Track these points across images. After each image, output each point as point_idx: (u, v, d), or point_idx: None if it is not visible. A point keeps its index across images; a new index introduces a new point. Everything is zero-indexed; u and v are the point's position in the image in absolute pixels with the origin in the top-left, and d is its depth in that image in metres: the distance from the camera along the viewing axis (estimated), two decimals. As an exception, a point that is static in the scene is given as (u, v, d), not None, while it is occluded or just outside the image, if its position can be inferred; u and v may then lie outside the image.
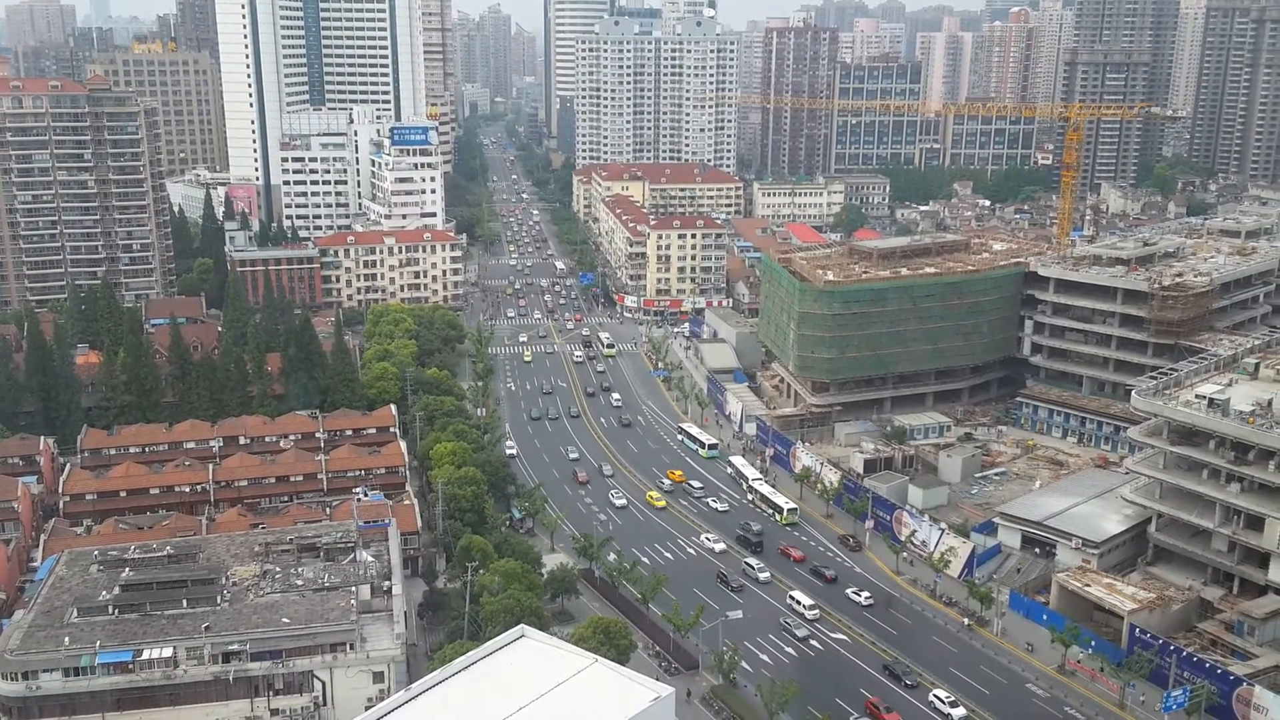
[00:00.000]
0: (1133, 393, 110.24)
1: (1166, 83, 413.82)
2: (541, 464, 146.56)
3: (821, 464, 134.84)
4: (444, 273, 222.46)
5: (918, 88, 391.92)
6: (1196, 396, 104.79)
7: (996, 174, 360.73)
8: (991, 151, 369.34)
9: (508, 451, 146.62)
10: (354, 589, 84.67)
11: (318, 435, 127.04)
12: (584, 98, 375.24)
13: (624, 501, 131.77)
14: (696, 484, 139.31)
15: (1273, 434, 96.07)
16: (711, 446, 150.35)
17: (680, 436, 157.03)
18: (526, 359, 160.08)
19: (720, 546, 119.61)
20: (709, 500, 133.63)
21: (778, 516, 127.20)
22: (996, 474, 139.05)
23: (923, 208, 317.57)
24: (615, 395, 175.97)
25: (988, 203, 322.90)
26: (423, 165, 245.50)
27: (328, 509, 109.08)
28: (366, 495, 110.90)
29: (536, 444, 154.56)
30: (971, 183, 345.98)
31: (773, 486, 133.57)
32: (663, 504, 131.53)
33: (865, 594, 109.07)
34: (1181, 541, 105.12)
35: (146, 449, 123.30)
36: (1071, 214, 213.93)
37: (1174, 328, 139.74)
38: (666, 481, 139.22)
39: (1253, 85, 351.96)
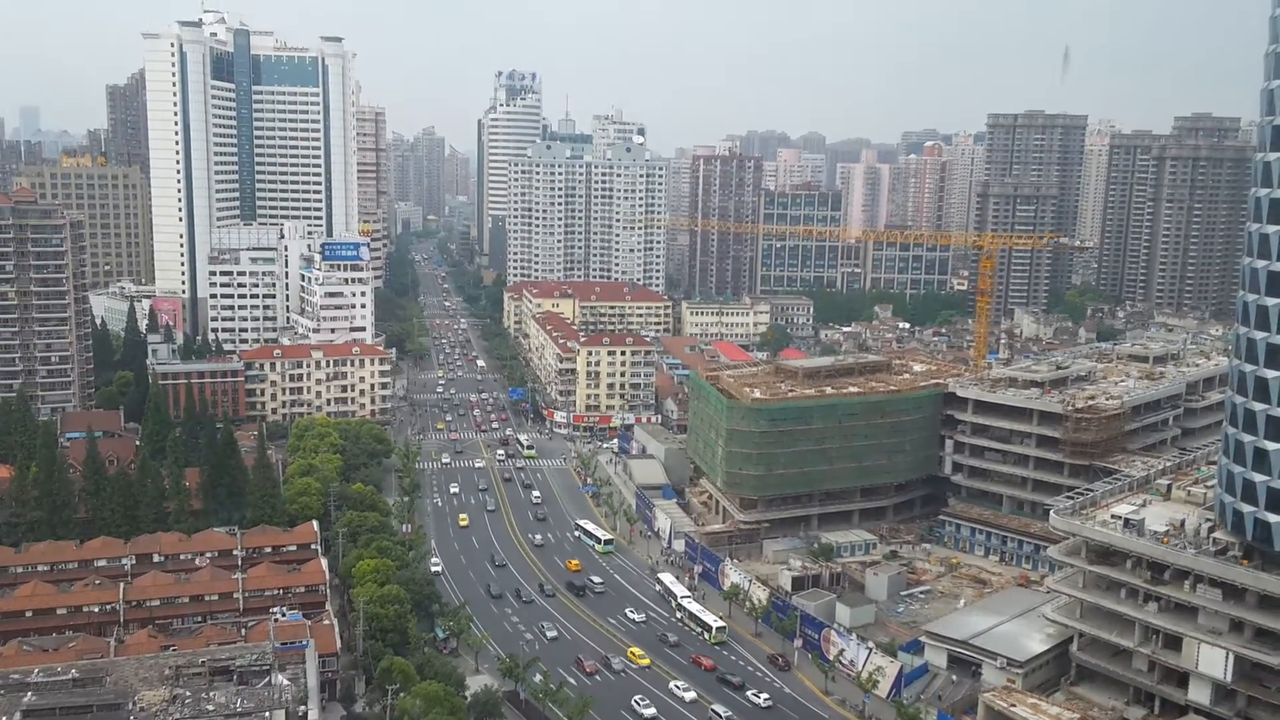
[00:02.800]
0: (1051, 512, 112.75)
1: (1074, 214, 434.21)
2: (467, 581, 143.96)
3: (750, 581, 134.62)
4: (372, 387, 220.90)
5: (839, 215, 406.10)
6: (1112, 516, 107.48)
7: (915, 298, 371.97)
8: (910, 276, 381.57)
9: (433, 568, 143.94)
10: (268, 715, 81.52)
11: (235, 553, 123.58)
12: (516, 217, 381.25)
13: (555, 634, 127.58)
14: (596, 579, 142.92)
15: (1186, 554, 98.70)
16: (607, 542, 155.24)
17: (577, 532, 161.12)
18: (463, 523, 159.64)
19: (691, 695, 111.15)
20: (627, 611, 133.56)
21: (707, 635, 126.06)
22: (922, 592, 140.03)
23: (845, 329, 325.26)
24: (540, 505, 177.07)
25: (907, 325, 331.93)
26: (353, 280, 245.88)
27: (243, 630, 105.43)
28: (284, 615, 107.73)
29: (463, 560, 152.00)
30: (892, 306, 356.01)
31: (702, 604, 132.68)
32: (646, 661, 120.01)
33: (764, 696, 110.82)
34: (1103, 661, 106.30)
35: (55, 567, 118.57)
36: (987, 337, 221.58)
37: (1088, 449, 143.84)
38: (598, 581, 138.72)
39: (1155, 218, 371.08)
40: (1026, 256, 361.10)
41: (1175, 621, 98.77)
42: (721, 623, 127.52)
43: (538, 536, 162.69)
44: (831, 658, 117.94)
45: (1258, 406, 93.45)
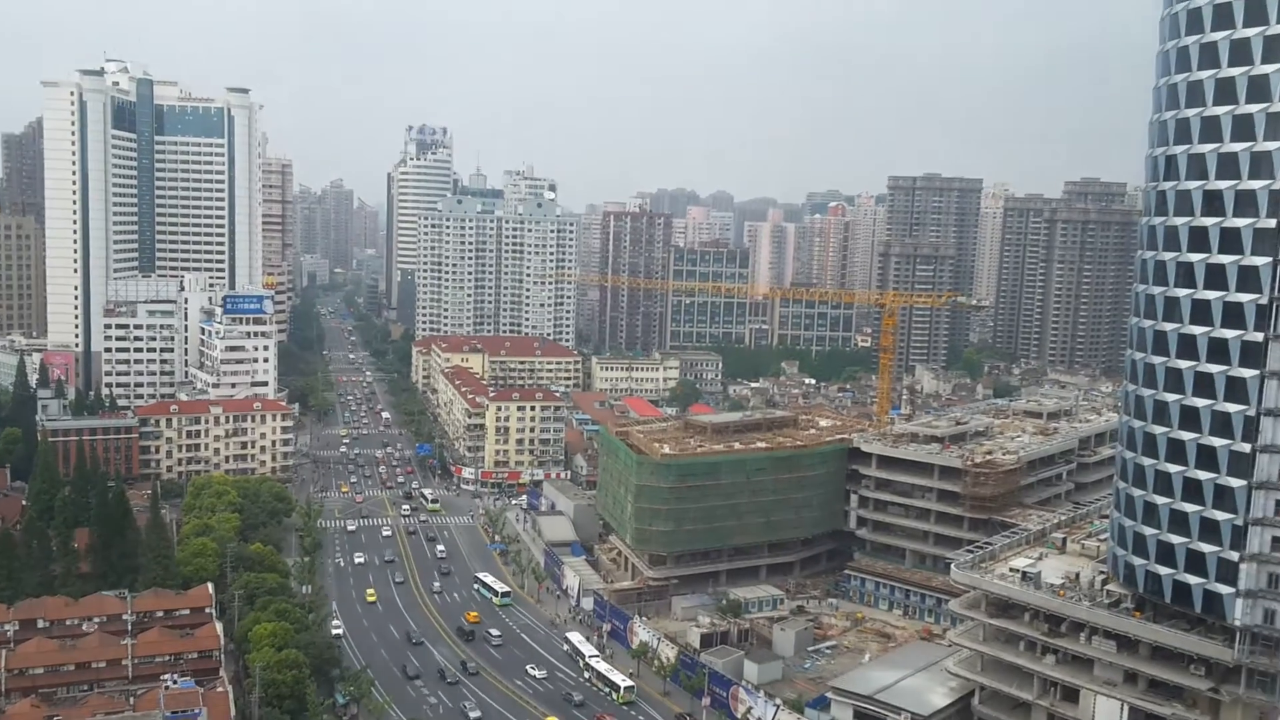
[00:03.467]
0: (952, 566, 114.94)
1: (971, 274, 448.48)
2: (369, 644, 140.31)
3: (659, 639, 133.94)
4: (274, 443, 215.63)
5: (746, 272, 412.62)
6: (1010, 569, 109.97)
7: (821, 354, 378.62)
8: (815, 333, 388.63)
9: (334, 631, 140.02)
10: (159, 786, 78.08)
11: (125, 617, 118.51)
12: (425, 271, 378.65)
13: (478, 714, 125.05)
14: (495, 632, 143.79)
15: (1081, 607, 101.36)
16: (505, 594, 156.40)
17: (476, 585, 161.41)
18: (370, 598, 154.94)
19: None
20: (528, 668, 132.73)
21: (615, 695, 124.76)
22: (828, 647, 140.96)
23: (753, 384, 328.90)
24: (444, 559, 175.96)
25: (813, 381, 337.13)
26: (255, 333, 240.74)
27: (131, 698, 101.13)
28: (176, 682, 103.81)
29: (364, 623, 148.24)
30: (798, 362, 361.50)
31: (610, 663, 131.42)
32: None
33: None
34: (1004, 713, 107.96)
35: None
36: (889, 393, 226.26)
37: (987, 503, 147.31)
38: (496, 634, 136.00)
39: (1047, 278, 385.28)
40: (926, 314, 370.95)
41: (1072, 673, 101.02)
42: (630, 682, 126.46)
43: (436, 584, 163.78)
44: (739, 715, 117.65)
45: (1146, 461, 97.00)
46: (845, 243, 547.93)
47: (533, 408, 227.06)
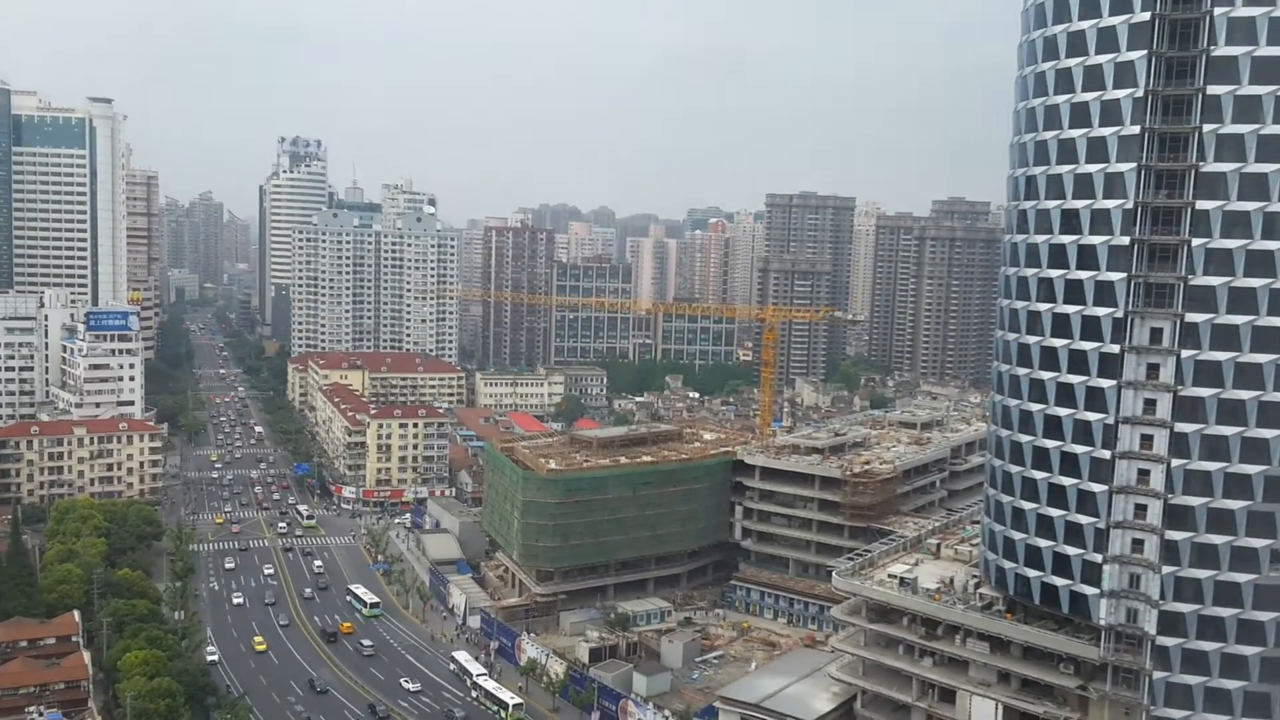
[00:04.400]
0: (833, 573, 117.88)
1: (847, 289, 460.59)
2: (247, 670, 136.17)
3: (547, 655, 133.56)
4: (141, 465, 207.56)
5: (629, 287, 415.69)
6: (889, 576, 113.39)
7: (704, 368, 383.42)
8: (698, 347, 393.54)
9: (209, 658, 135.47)
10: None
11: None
12: (301, 286, 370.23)
13: None
14: (367, 642, 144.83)
15: (955, 610, 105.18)
16: (373, 605, 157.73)
17: (348, 597, 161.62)
18: (259, 648, 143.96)
19: None
20: (402, 681, 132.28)
21: (503, 713, 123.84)
22: (715, 657, 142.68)
23: (638, 399, 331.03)
24: (321, 574, 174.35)
25: (697, 395, 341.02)
26: (121, 351, 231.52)
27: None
28: (42, 714, 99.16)
29: (241, 648, 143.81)
30: (682, 376, 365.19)
31: (498, 682, 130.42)
32: None
33: None
34: (885, 716, 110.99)
35: None
36: (771, 406, 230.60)
37: (865, 511, 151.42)
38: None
39: (918, 293, 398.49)
40: (805, 329, 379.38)
41: (949, 675, 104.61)
42: (518, 700, 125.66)
43: (308, 591, 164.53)
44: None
45: (1014, 469, 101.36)
46: (726, 258, 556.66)
47: (415, 425, 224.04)
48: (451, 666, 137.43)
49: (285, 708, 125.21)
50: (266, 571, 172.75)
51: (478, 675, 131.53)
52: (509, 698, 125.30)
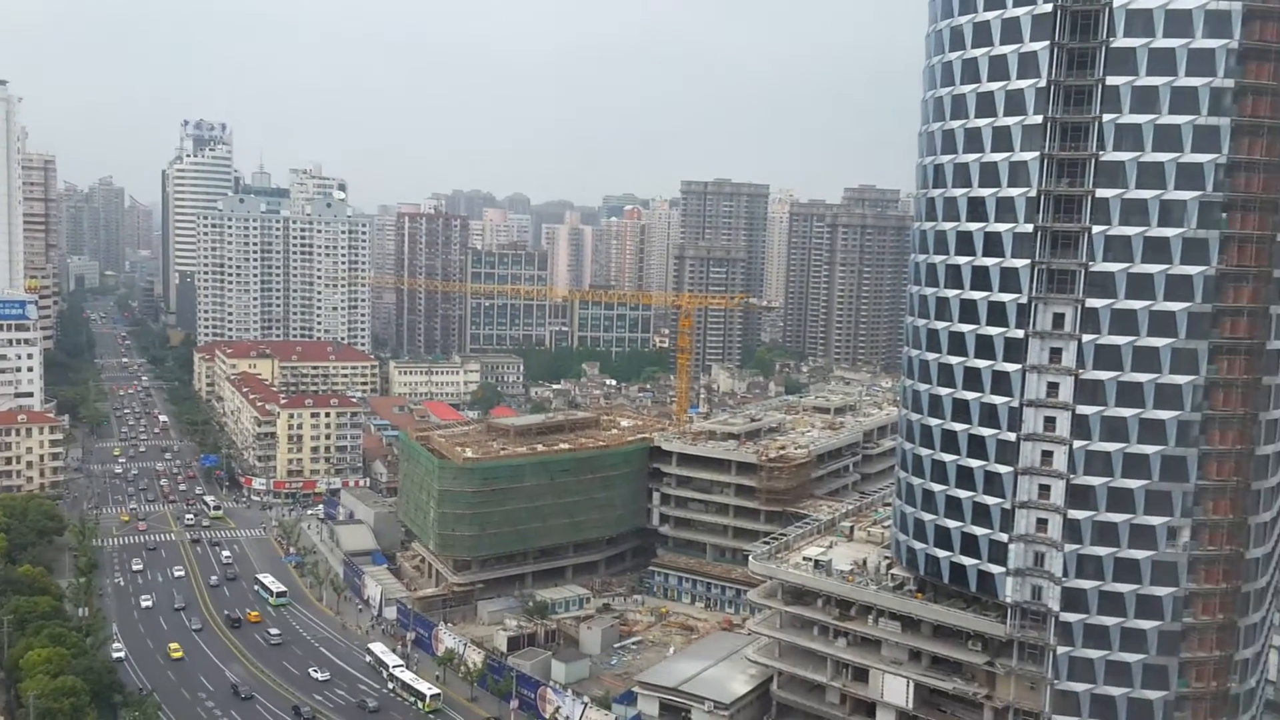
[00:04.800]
0: (749, 557, 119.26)
1: (761, 276, 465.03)
2: (155, 666, 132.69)
3: (465, 645, 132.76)
4: (41, 458, 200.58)
5: (545, 274, 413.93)
6: (804, 559, 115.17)
7: (620, 355, 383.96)
8: (615, 335, 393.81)
9: (115, 655, 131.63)
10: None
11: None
12: (207, 273, 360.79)
13: None
14: (274, 631, 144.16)
15: (868, 591, 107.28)
16: (280, 594, 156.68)
17: (256, 587, 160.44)
18: (175, 655, 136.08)
19: None
20: (311, 671, 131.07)
21: (421, 704, 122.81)
22: (634, 643, 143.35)
23: (555, 386, 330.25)
24: (230, 564, 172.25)
25: (614, 382, 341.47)
26: (18, 341, 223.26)
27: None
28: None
29: (149, 644, 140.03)
30: (599, 363, 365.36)
31: (415, 673, 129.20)
32: None
33: None
34: (800, 697, 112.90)
35: None
36: (688, 393, 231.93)
37: (781, 495, 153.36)
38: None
39: (830, 280, 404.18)
40: (721, 315, 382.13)
41: (862, 654, 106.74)
42: (436, 690, 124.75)
43: (214, 578, 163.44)
44: (548, 716, 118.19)
45: (924, 452, 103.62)
46: (642, 246, 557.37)
47: (327, 414, 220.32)
48: (368, 659, 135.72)
49: (195, 704, 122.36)
50: (176, 573, 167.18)
51: (394, 666, 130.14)
52: (426, 688, 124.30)
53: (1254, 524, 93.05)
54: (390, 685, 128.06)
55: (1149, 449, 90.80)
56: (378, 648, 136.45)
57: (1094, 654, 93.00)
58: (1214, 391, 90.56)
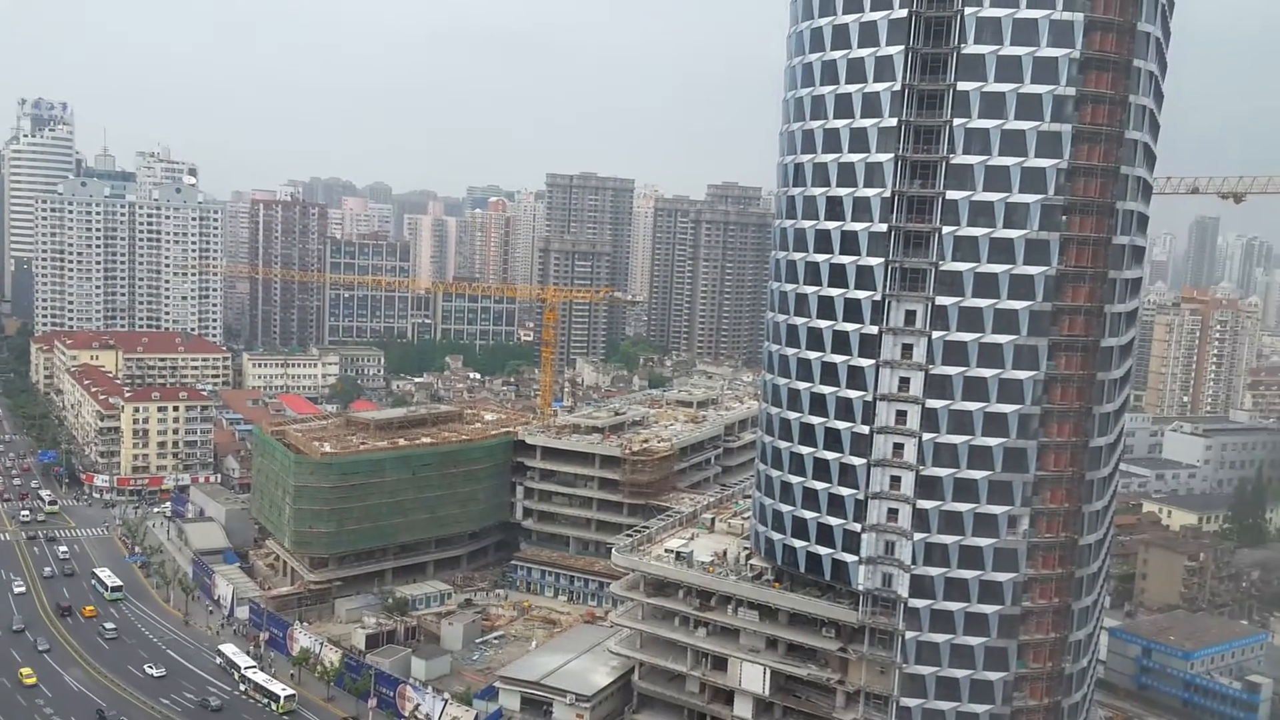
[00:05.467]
0: (613, 550, 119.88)
1: (626, 270, 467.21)
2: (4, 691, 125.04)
3: (321, 644, 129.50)
4: None
5: (407, 265, 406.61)
6: (666, 550, 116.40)
7: (485, 348, 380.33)
8: (479, 327, 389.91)
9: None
10: None
11: None
12: (45, 260, 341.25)
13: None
14: (109, 625, 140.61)
15: (728, 581, 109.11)
16: (115, 588, 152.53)
17: (93, 580, 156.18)
18: (29, 681, 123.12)
19: None
20: (146, 666, 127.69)
21: (274, 706, 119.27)
22: (496, 638, 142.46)
23: (417, 379, 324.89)
24: (67, 559, 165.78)
25: (478, 375, 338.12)
26: None
27: None
28: None
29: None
30: (462, 356, 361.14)
31: (269, 674, 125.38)
32: None
33: None
34: (661, 687, 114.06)
35: None
36: (552, 386, 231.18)
37: (644, 489, 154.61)
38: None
39: (694, 275, 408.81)
40: (586, 309, 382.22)
41: (721, 644, 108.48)
42: (290, 691, 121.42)
43: (48, 569, 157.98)
44: (407, 714, 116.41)
45: (782, 444, 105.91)
46: (507, 238, 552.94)
47: (176, 408, 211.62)
48: (218, 660, 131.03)
49: (34, 710, 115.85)
50: (17, 589, 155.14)
51: (246, 668, 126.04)
52: (280, 689, 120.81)
53: (1087, 512, 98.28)
54: (242, 687, 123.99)
55: (992, 441, 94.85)
56: (229, 649, 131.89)
57: (939, 638, 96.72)
58: (1052, 386, 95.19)
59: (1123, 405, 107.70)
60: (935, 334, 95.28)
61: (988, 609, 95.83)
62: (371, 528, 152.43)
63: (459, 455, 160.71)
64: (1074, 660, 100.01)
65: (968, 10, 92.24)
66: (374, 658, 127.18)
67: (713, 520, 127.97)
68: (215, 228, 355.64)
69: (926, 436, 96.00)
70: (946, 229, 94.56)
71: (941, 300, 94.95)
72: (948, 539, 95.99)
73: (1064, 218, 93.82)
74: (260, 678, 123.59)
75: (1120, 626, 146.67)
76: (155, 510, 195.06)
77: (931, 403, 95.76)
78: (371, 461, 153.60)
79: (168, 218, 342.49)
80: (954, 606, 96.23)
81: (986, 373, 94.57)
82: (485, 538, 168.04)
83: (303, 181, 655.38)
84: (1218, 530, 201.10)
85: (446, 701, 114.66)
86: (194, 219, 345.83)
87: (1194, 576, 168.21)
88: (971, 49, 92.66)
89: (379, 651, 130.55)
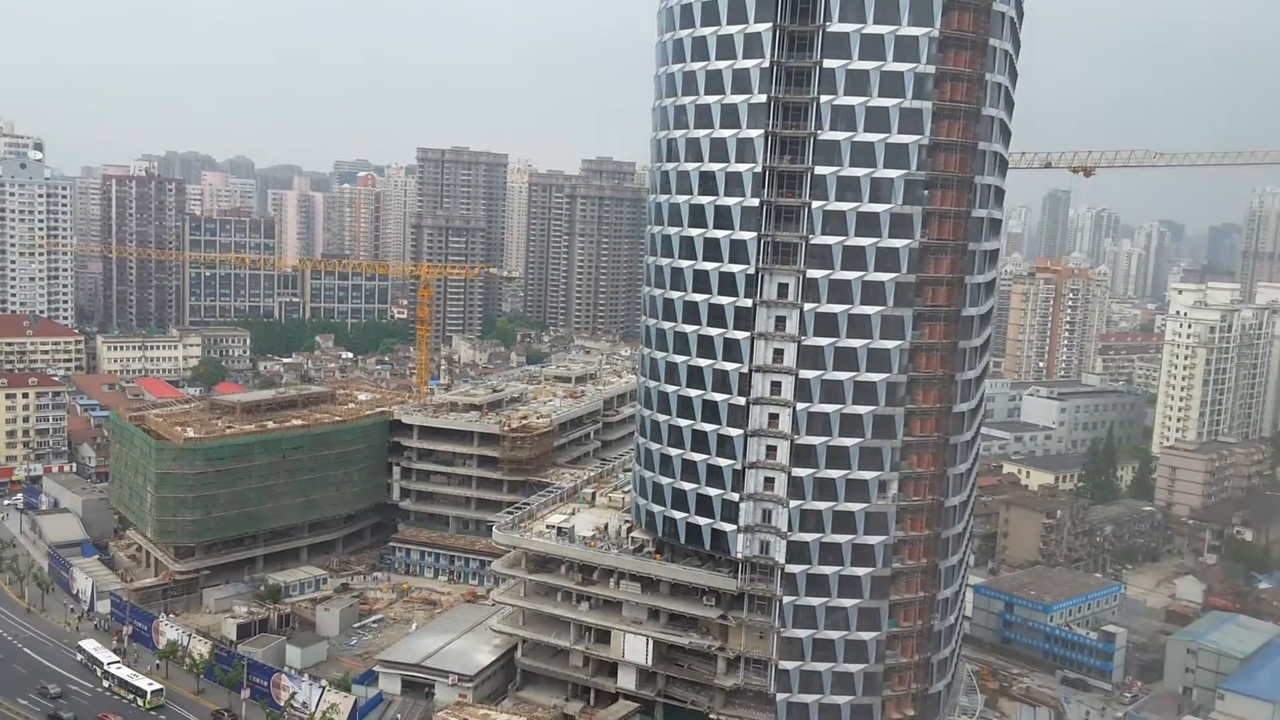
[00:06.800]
0: (493, 528, 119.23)
1: (501, 246, 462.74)
2: None
3: (190, 636, 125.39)
4: None
5: (273, 242, 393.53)
6: (547, 527, 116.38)
7: (357, 327, 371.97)
8: (351, 305, 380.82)
9: None
10: None
11: None
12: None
13: None
14: None
15: (610, 554, 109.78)
16: None
17: None
18: None
19: None
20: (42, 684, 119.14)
21: (141, 702, 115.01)
22: (375, 622, 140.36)
23: (286, 360, 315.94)
24: None
25: (350, 355, 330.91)
26: None
27: None
28: None
29: None
30: (333, 335, 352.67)
31: (134, 669, 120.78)
32: None
33: None
34: (544, 663, 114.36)
35: None
36: (428, 364, 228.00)
37: (524, 465, 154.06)
38: None
39: (570, 251, 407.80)
40: (461, 285, 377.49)
41: (604, 617, 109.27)
42: (157, 685, 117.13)
43: None
44: (283, 703, 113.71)
45: (660, 418, 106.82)
46: (377, 213, 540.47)
47: (25, 394, 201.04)
48: (79, 657, 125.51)
49: None
50: None
51: (109, 664, 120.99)
52: (146, 684, 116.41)
53: (952, 475, 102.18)
54: (106, 684, 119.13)
55: (862, 409, 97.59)
56: (90, 645, 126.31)
57: (815, 601, 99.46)
58: (917, 355, 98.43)
59: (983, 372, 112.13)
60: (807, 306, 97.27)
61: (860, 571, 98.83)
62: (240, 514, 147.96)
63: (332, 437, 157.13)
64: (942, 617, 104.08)
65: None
66: (246, 648, 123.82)
67: (593, 495, 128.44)
68: (65, 205, 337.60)
69: (800, 406, 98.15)
70: (816, 203, 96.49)
71: (813, 273, 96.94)
72: (821, 505, 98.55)
73: (926, 192, 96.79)
74: (124, 673, 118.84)
75: (984, 584, 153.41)
76: (6, 503, 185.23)
77: (804, 373, 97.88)
78: (238, 446, 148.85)
79: (12, 194, 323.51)
80: (828, 570, 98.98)
81: (856, 343, 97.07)
82: (361, 520, 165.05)
83: (158, 156, 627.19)
84: (1073, 489, 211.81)
85: (324, 689, 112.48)
86: (41, 196, 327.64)
87: (1051, 533, 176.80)
88: (836, 27, 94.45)
89: (251, 641, 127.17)
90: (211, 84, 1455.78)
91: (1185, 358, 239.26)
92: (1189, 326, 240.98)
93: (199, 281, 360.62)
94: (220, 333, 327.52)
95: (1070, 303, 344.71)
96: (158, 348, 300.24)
